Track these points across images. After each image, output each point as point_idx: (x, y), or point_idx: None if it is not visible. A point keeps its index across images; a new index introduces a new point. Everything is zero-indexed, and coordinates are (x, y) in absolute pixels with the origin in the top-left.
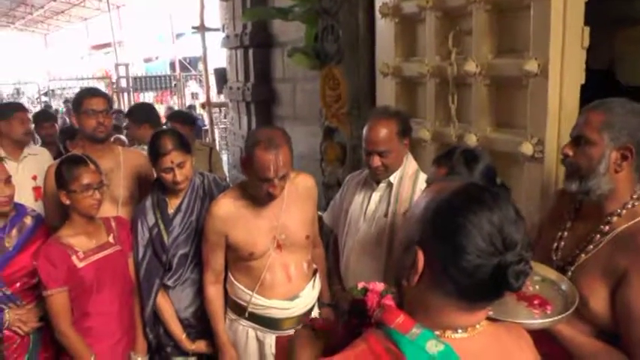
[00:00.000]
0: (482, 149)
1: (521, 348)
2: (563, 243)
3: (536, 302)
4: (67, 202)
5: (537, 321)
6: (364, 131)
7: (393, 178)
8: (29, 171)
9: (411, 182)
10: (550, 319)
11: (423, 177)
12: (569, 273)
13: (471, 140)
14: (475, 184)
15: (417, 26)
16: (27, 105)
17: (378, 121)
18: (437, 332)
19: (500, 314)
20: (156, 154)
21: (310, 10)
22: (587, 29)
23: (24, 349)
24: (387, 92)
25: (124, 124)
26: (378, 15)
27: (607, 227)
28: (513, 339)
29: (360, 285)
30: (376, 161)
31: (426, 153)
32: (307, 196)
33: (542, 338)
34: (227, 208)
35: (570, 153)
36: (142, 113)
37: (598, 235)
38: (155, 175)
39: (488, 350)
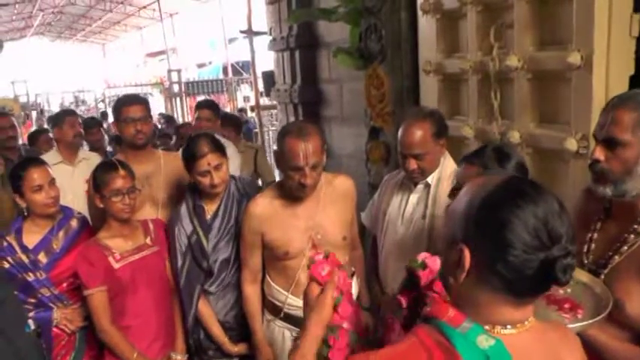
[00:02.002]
0: (511, 145)
1: (569, 347)
2: (593, 245)
3: (566, 306)
4: (101, 205)
5: (568, 325)
6: (399, 134)
7: (431, 179)
8: (83, 175)
9: (449, 183)
10: (581, 323)
11: None
12: (602, 276)
13: (514, 137)
14: (517, 177)
15: (459, 22)
16: (85, 112)
17: (412, 124)
18: (486, 327)
19: None
20: (192, 157)
21: (353, 10)
22: (636, 16)
23: (71, 347)
24: (429, 90)
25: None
26: (419, 12)
27: None
28: (560, 337)
29: (421, 257)
30: (412, 164)
31: (469, 150)
32: (345, 196)
33: None
34: (263, 206)
35: (602, 158)
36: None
37: (632, 236)
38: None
39: (536, 347)
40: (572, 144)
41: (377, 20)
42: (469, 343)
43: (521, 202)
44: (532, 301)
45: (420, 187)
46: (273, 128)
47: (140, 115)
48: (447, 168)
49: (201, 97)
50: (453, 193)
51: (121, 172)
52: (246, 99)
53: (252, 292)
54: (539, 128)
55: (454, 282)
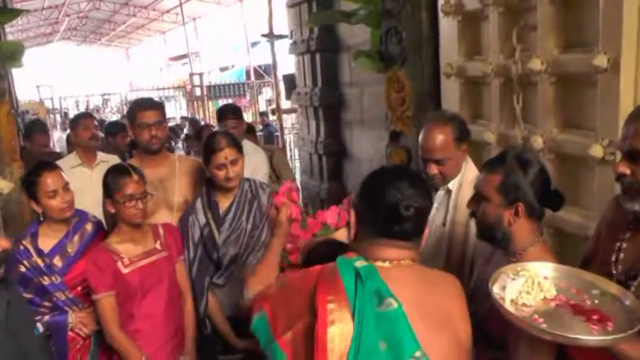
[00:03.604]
0: (533, 151)
1: (447, 289)
2: (622, 255)
3: (595, 317)
4: (113, 210)
5: (597, 338)
6: (420, 138)
7: (452, 185)
8: (101, 177)
9: (470, 189)
10: (612, 337)
11: None
12: (633, 288)
13: (537, 142)
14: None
15: (480, 24)
16: (110, 114)
17: (433, 128)
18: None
19: (556, 328)
20: (210, 151)
21: (374, 13)
22: None
23: (86, 350)
24: (451, 93)
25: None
26: (440, 14)
27: None
28: (442, 279)
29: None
30: (433, 169)
31: (491, 156)
32: None
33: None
34: None
35: (627, 172)
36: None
37: None
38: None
39: (409, 278)
40: (597, 150)
41: (397, 23)
42: (348, 264)
43: (378, 179)
44: (404, 245)
45: (441, 192)
46: (295, 132)
47: (155, 119)
48: (468, 173)
49: (223, 101)
50: (474, 200)
51: (134, 176)
52: (269, 102)
53: None
54: (562, 134)
55: (352, 237)
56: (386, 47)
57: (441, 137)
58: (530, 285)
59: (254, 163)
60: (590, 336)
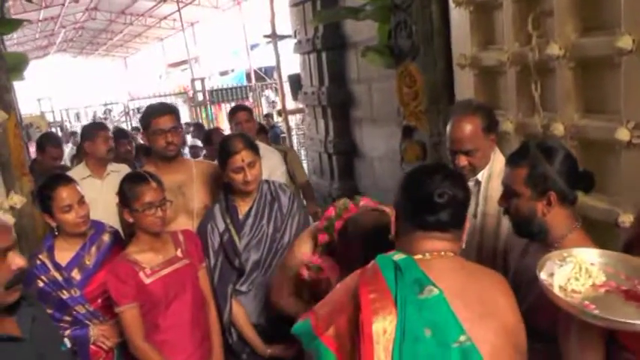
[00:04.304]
0: (554, 138)
1: (495, 284)
2: None
3: None
4: (131, 220)
5: None
6: (447, 130)
7: (481, 176)
8: (113, 187)
9: (499, 179)
10: None
11: None
12: None
13: (558, 130)
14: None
15: (494, 12)
16: (111, 125)
17: (461, 118)
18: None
19: (607, 313)
20: (227, 154)
21: (382, 7)
22: None
23: None
24: (465, 85)
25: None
26: (451, 5)
27: None
28: (488, 275)
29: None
30: (462, 161)
31: (510, 146)
32: None
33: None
34: (308, 250)
35: None
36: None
37: None
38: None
39: (452, 271)
40: (624, 134)
41: (407, 16)
42: (387, 259)
43: (413, 174)
44: (443, 237)
45: (470, 184)
46: (300, 132)
47: (170, 125)
48: (497, 164)
49: (226, 105)
50: (504, 198)
51: (152, 184)
52: (271, 104)
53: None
54: (584, 119)
55: (394, 234)
56: (396, 42)
57: (469, 127)
58: (578, 271)
59: (270, 164)
60: None
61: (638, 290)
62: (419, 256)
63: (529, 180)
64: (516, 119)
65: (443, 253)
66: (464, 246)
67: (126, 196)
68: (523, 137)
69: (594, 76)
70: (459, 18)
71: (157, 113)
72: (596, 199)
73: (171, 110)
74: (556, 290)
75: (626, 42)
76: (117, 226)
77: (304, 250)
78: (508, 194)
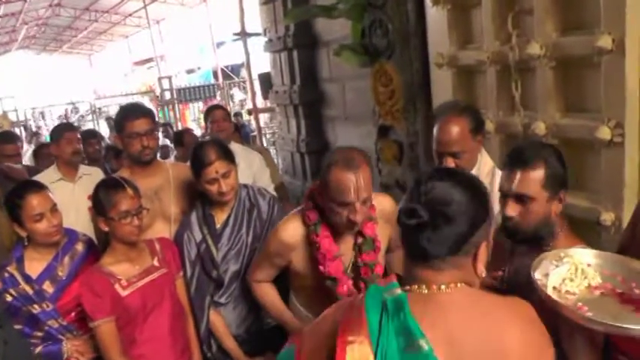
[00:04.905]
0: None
1: (503, 320)
2: None
3: None
4: (106, 228)
5: None
6: (434, 132)
7: None
8: (85, 191)
9: (487, 181)
10: None
11: (500, 174)
12: None
13: (540, 129)
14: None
15: (472, 11)
16: (78, 123)
17: (448, 120)
18: (406, 287)
19: (600, 316)
20: (199, 166)
21: (356, 5)
22: None
23: None
24: (443, 84)
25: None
26: (428, 4)
27: None
28: (500, 307)
29: None
30: (450, 163)
31: (491, 146)
32: (384, 219)
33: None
34: (298, 234)
35: None
36: None
37: None
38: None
39: (451, 307)
40: (604, 132)
41: (382, 15)
42: (377, 295)
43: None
44: (441, 266)
45: None
46: (270, 131)
47: (146, 128)
48: (484, 165)
49: (193, 104)
50: (515, 207)
51: (129, 191)
52: (241, 102)
53: (265, 286)
54: (565, 118)
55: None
56: (370, 40)
57: (457, 129)
58: (573, 272)
59: (255, 168)
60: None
61: (633, 294)
62: (417, 290)
63: (547, 182)
64: (496, 118)
65: (444, 286)
66: (483, 274)
67: (101, 204)
68: (503, 137)
69: (575, 75)
70: (436, 17)
71: (131, 116)
72: (578, 198)
73: (146, 113)
74: (549, 291)
75: (605, 41)
76: (90, 231)
77: (291, 233)
78: (521, 201)
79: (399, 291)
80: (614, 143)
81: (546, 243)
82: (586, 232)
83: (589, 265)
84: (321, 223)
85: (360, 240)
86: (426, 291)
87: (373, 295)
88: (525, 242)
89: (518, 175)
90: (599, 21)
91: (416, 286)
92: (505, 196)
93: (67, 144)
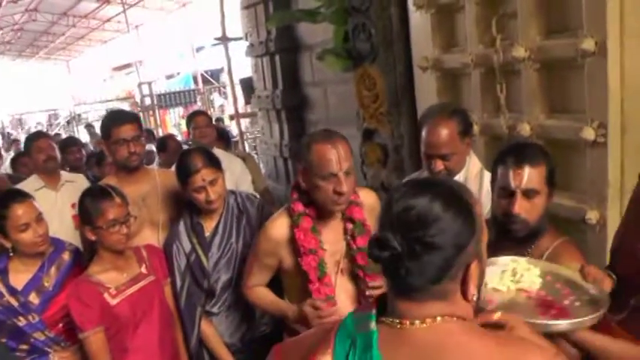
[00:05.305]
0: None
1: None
2: None
3: (553, 312)
4: (93, 237)
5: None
6: (423, 134)
7: (457, 179)
8: (68, 199)
9: (476, 183)
10: (573, 320)
11: (488, 176)
12: None
13: (525, 130)
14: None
15: (456, 15)
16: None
17: (437, 122)
18: (385, 318)
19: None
20: (186, 174)
21: (339, 10)
22: None
23: None
24: (427, 87)
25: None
26: (411, 8)
27: None
28: (498, 350)
29: None
30: (439, 165)
31: (475, 147)
32: (370, 212)
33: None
34: (285, 229)
35: None
36: None
37: None
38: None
39: (427, 348)
40: (589, 133)
41: (366, 19)
42: (348, 328)
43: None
44: (422, 298)
45: None
46: (251, 136)
47: (133, 134)
48: (472, 167)
49: (174, 110)
50: (524, 203)
51: (116, 199)
52: (220, 108)
53: (260, 289)
54: (550, 119)
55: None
56: (354, 44)
57: (446, 132)
58: (505, 271)
59: (236, 174)
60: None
61: (555, 301)
62: (391, 323)
63: (548, 178)
64: (481, 120)
65: (418, 321)
66: (475, 297)
67: (88, 212)
68: (488, 138)
69: (559, 77)
70: (420, 21)
71: (118, 122)
72: (564, 197)
73: (132, 118)
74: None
75: (589, 44)
76: (74, 239)
77: (278, 229)
78: (528, 197)
79: (373, 326)
80: (597, 143)
81: (535, 239)
82: (572, 230)
83: (529, 269)
84: (305, 216)
85: (350, 226)
86: (399, 326)
87: (346, 327)
88: (514, 240)
89: (526, 171)
90: (582, 24)
91: (390, 319)
92: (511, 193)
93: (38, 152)
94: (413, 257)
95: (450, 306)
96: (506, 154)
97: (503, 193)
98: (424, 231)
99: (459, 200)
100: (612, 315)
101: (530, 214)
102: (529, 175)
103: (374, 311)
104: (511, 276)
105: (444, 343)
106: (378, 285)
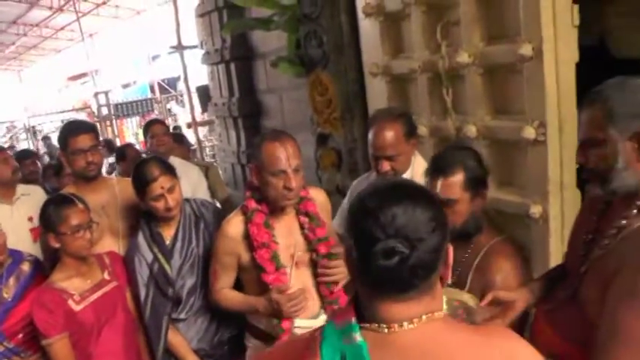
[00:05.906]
0: (466, 139)
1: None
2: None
3: None
4: (57, 244)
5: None
6: (370, 136)
7: None
8: (25, 212)
9: (422, 181)
10: None
11: None
12: None
13: (471, 131)
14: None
15: (403, 23)
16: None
17: (383, 125)
18: (368, 325)
19: None
20: (143, 183)
21: (291, 18)
22: (576, 7)
23: None
24: (377, 92)
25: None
26: (361, 15)
27: None
28: (477, 345)
29: None
30: (385, 166)
31: (424, 149)
32: (320, 210)
33: (555, 339)
34: (240, 227)
35: (583, 159)
36: None
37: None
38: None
39: (416, 349)
40: (530, 132)
41: (317, 26)
42: (334, 340)
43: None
44: (412, 297)
45: None
46: (209, 144)
47: (90, 144)
48: (418, 167)
49: (131, 119)
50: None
51: (79, 205)
52: (174, 116)
53: (226, 291)
54: (494, 120)
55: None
56: (306, 51)
57: (391, 134)
58: None
59: (192, 181)
60: None
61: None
62: (378, 329)
63: (467, 184)
64: (430, 123)
65: (406, 322)
66: (450, 280)
67: (51, 220)
68: (437, 140)
69: (501, 80)
70: (369, 28)
71: (74, 132)
72: (509, 194)
73: (89, 128)
74: None
75: (526, 49)
76: (33, 252)
77: (233, 227)
78: (447, 205)
79: (358, 337)
80: (538, 142)
81: (474, 237)
82: (518, 225)
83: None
84: (258, 212)
85: (305, 219)
86: (387, 331)
87: (330, 340)
88: (453, 239)
89: (440, 183)
90: (520, 31)
91: (376, 325)
92: None
93: (4, 164)
94: (419, 257)
95: (432, 301)
96: (429, 165)
97: None
98: (424, 230)
99: (429, 194)
100: (542, 305)
101: (451, 219)
102: (442, 187)
103: (354, 320)
104: None
105: (432, 342)
106: (336, 278)
